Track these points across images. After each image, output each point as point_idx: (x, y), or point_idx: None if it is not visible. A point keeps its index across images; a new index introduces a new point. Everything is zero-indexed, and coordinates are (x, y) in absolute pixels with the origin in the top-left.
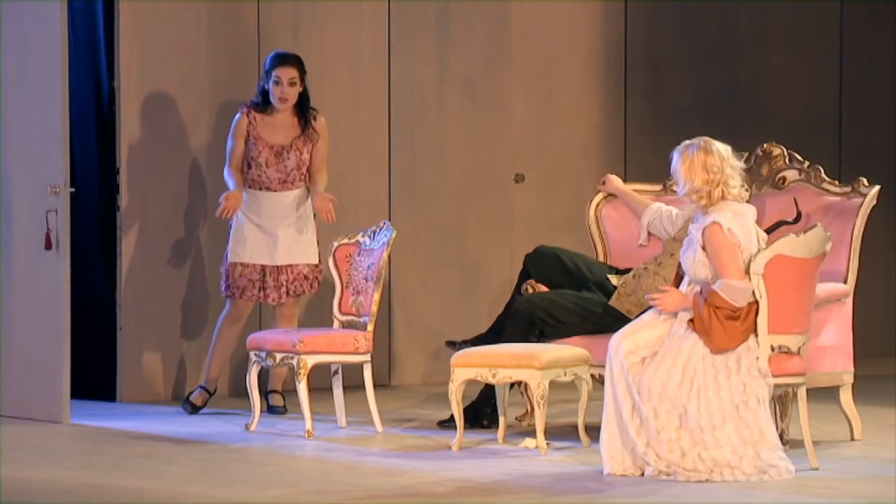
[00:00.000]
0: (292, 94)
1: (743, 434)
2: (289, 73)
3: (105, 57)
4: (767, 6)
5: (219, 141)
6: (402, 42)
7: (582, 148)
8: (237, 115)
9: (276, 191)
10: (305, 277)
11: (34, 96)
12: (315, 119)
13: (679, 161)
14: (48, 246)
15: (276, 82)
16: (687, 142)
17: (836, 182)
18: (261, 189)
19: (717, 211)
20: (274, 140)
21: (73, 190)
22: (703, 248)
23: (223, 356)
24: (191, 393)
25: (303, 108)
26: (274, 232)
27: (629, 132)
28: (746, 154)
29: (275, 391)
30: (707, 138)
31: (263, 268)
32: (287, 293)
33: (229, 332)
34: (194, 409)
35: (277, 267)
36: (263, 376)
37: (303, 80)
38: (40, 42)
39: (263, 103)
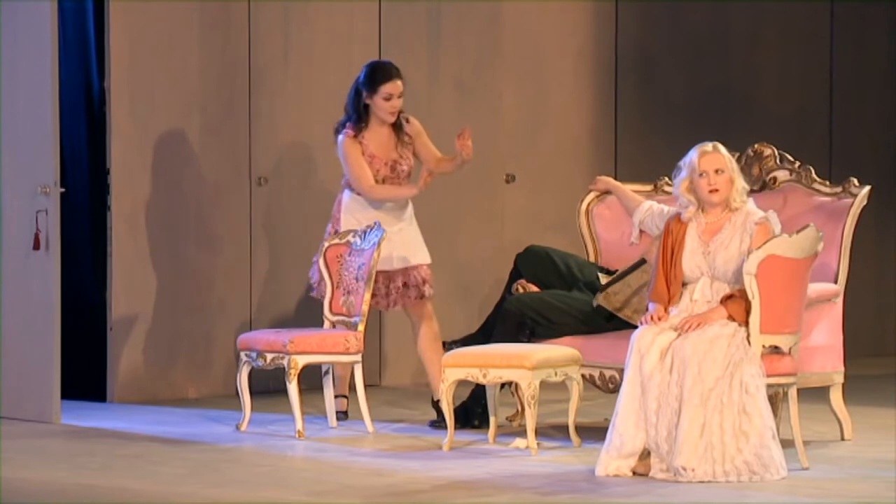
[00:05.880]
0: (400, 105)
1: (745, 429)
2: (399, 86)
3: (95, 57)
4: (758, 6)
5: (209, 140)
6: (393, 42)
7: (573, 148)
8: (342, 139)
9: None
10: (424, 280)
11: (24, 96)
12: (408, 122)
13: (732, 160)
14: (37, 246)
15: (388, 98)
16: (714, 143)
17: (827, 182)
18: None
19: (753, 208)
20: (388, 155)
21: (63, 190)
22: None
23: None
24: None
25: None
26: (389, 236)
27: (620, 132)
28: (737, 154)
29: (341, 395)
30: None
31: (377, 276)
32: (419, 296)
33: None
34: (345, 415)
35: (398, 271)
36: (256, 376)
37: None
38: (30, 42)
39: (362, 120)
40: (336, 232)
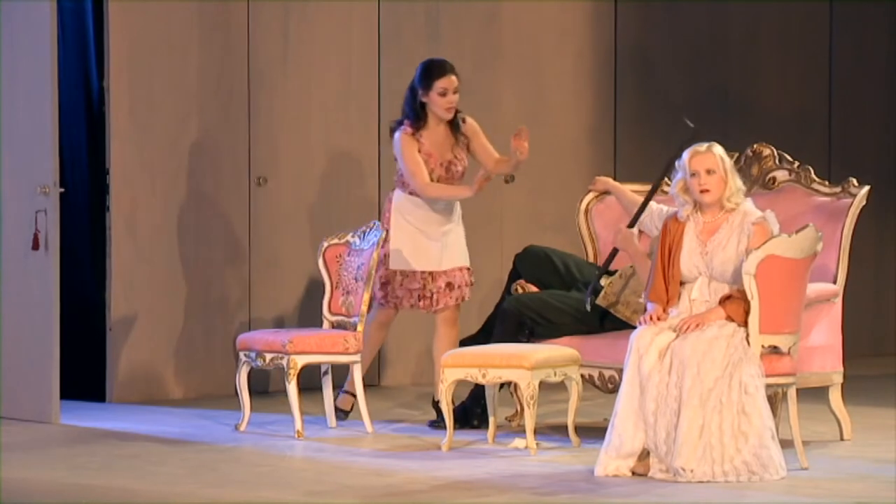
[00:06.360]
0: (456, 101)
1: (744, 429)
2: (454, 81)
3: (94, 57)
4: (757, 6)
5: (208, 140)
6: (392, 42)
7: (572, 148)
8: (398, 136)
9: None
10: (467, 283)
11: (23, 96)
12: (464, 122)
13: (726, 160)
14: (36, 246)
15: (443, 94)
16: (710, 143)
17: (826, 182)
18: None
19: (752, 208)
20: (443, 156)
21: (62, 190)
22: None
23: (368, 358)
24: (335, 399)
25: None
26: (437, 237)
27: (619, 132)
28: (736, 154)
29: (349, 392)
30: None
31: (423, 276)
32: (460, 298)
33: (377, 336)
34: (346, 415)
35: (443, 272)
36: (255, 376)
37: None
38: (29, 42)
39: (420, 119)
40: (387, 231)
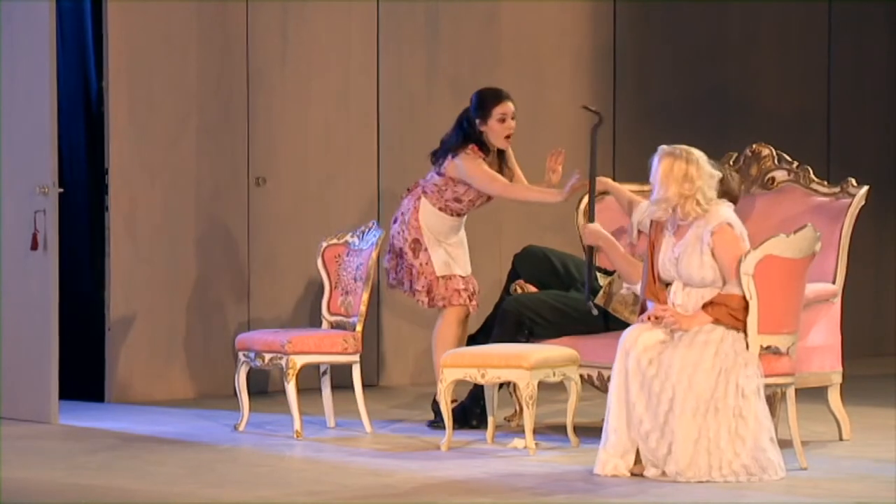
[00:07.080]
0: (514, 127)
1: (741, 433)
2: (510, 107)
3: (93, 57)
4: (756, 7)
5: (207, 140)
6: (391, 42)
7: (571, 148)
8: (464, 157)
9: (463, 215)
10: (478, 290)
11: (23, 96)
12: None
13: (659, 167)
14: (35, 246)
15: (502, 120)
16: (668, 148)
17: (825, 182)
18: (451, 215)
19: (716, 213)
20: None
21: (61, 190)
22: (711, 251)
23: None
24: (434, 407)
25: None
26: (455, 244)
27: (618, 132)
28: (735, 154)
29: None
30: (688, 147)
31: (463, 279)
32: (476, 306)
33: (459, 332)
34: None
35: (469, 278)
36: (254, 376)
37: None
38: (28, 42)
39: (484, 146)
40: (416, 240)
